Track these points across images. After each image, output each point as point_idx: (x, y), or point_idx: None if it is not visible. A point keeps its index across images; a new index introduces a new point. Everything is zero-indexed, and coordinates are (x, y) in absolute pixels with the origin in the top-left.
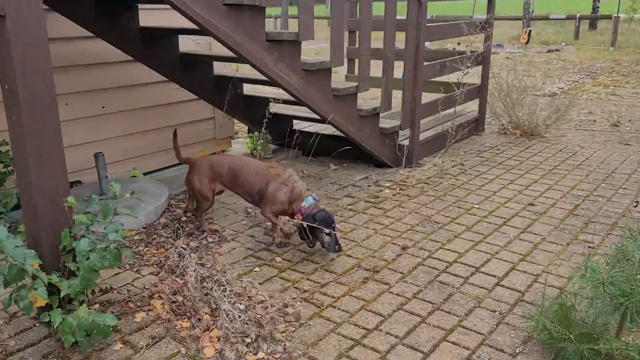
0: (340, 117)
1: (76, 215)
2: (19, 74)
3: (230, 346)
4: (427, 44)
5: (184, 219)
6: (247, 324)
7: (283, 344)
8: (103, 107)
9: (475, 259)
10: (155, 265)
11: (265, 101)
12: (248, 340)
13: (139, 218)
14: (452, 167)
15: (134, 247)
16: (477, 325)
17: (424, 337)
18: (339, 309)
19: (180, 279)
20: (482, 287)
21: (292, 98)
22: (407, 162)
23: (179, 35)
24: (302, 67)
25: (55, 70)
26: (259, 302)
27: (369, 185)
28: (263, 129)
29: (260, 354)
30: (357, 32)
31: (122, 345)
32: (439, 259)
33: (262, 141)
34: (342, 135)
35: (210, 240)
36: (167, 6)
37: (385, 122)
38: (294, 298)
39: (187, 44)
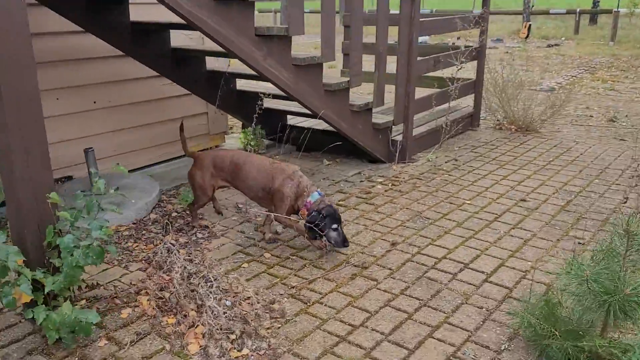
0: (332, 113)
1: (60, 211)
2: (1, 69)
3: (214, 343)
4: (426, 38)
5: (174, 214)
6: (232, 320)
7: (268, 340)
8: (94, 102)
9: (465, 255)
10: (143, 261)
11: (258, 96)
12: (233, 336)
13: (129, 213)
14: (446, 162)
15: (123, 243)
16: (464, 321)
17: (409, 334)
18: (325, 305)
19: (167, 275)
20: (470, 284)
21: (284, 93)
22: (400, 157)
23: (171, 30)
24: (293, 63)
25: (46, 65)
26: (246, 299)
27: (361, 181)
28: (254, 124)
29: (245, 351)
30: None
31: (106, 342)
32: (428, 255)
33: (254, 136)
34: (336, 130)
35: (199, 236)
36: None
37: (379, 118)
38: (281, 294)
39: (180, 39)
